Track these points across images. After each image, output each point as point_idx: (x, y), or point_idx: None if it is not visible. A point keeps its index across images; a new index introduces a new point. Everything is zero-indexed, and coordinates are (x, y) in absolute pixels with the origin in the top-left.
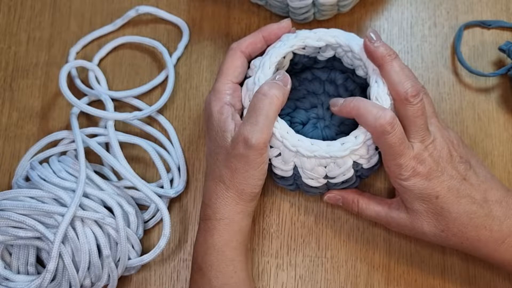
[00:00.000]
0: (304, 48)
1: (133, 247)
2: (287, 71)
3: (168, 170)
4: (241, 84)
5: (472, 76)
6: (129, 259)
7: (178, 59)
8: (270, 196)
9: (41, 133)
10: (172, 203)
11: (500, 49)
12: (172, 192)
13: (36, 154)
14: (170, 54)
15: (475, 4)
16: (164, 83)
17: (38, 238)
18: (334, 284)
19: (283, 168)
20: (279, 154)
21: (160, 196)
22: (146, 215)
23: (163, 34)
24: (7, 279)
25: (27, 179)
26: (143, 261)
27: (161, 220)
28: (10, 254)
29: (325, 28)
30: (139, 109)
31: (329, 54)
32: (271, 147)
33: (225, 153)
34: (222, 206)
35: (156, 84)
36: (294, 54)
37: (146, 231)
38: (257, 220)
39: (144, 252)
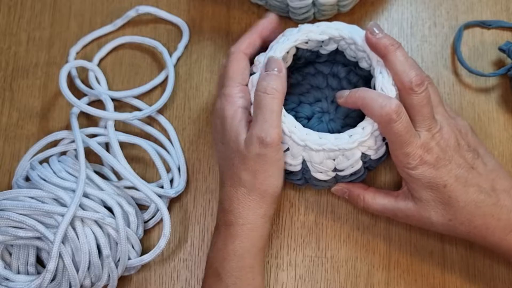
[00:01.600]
0: (307, 43)
1: (133, 247)
2: (290, 66)
3: (168, 170)
4: None
5: (472, 76)
6: (129, 259)
7: (178, 59)
8: None
9: (41, 133)
10: (172, 203)
11: (500, 49)
12: (172, 192)
13: (36, 154)
14: (170, 54)
15: (475, 4)
16: (164, 83)
17: (38, 238)
18: (334, 284)
19: (291, 163)
20: (288, 149)
21: (160, 196)
22: (146, 215)
23: (163, 34)
24: (7, 279)
25: (27, 179)
26: (143, 261)
27: (161, 220)
28: (10, 254)
29: (328, 22)
30: (139, 109)
31: (331, 47)
32: None
33: (240, 157)
34: (245, 211)
35: (156, 84)
36: (297, 48)
37: (146, 231)
38: None
39: (144, 252)
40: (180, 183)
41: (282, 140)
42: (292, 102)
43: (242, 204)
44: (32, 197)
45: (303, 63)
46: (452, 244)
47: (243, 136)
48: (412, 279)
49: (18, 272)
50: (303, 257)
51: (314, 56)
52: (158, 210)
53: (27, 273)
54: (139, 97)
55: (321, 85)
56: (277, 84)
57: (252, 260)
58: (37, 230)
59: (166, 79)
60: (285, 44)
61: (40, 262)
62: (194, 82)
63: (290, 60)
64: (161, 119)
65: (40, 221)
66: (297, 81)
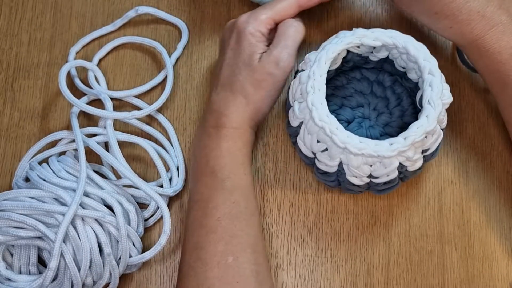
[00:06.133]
0: (359, 47)
1: (134, 244)
2: (337, 68)
3: (168, 169)
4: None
5: (472, 76)
6: (130, 256)
7: (178, 60)
8: (270, 196)
9: (42, 133)
10: (171, 202)
11: None
12: (171, 191)
13: (35, 154)
14: (170, 55)
15: None
16: (163, 82)
17: (39, 237)
18: (333, 284)
19: (328, 164)
20: (326, 149)
21: (159, 195)
22: (146, 213)
23: (164, 34)
24: (9, 280)
25: (27, 179)
26: (144, 258)
27: (161, 218)
28: (12, 255)
29: (382, 28)
30: (138, 109)
31: (382, 54)
32: (318, 141)
33: (250, 70)
34: (240, 118)
35: (155, 84)
36: (348, 51)
37: (147, 230)
38: None
39: (144, 250)
40: (179, 182)
41: (321, 140)
42: (335, 104)
43: (237, 112)
44: (32, 197)
45: (350, 67)
46: (452, 244)
47: (258, 54)
48: (412, 279)
49: (20, 272)
50: (303, 257)
51: (363, 61)
52: (158, 208)
53: (29, 273)
54: (139, 96)
55: (365, 91)
56: (302, 25)
57: (244, 158)
58: (38, 229)
59: (165, 79)
60: (338, 46)
61: (41, 262)
62: (194, 83)
63: (339, 62)
64: (161, 118)
65: (41, 221)
66: (341, 84)
